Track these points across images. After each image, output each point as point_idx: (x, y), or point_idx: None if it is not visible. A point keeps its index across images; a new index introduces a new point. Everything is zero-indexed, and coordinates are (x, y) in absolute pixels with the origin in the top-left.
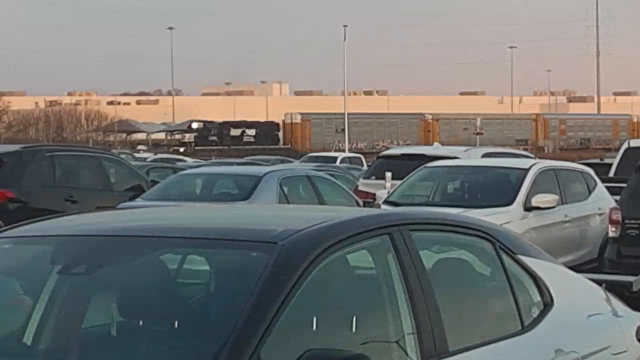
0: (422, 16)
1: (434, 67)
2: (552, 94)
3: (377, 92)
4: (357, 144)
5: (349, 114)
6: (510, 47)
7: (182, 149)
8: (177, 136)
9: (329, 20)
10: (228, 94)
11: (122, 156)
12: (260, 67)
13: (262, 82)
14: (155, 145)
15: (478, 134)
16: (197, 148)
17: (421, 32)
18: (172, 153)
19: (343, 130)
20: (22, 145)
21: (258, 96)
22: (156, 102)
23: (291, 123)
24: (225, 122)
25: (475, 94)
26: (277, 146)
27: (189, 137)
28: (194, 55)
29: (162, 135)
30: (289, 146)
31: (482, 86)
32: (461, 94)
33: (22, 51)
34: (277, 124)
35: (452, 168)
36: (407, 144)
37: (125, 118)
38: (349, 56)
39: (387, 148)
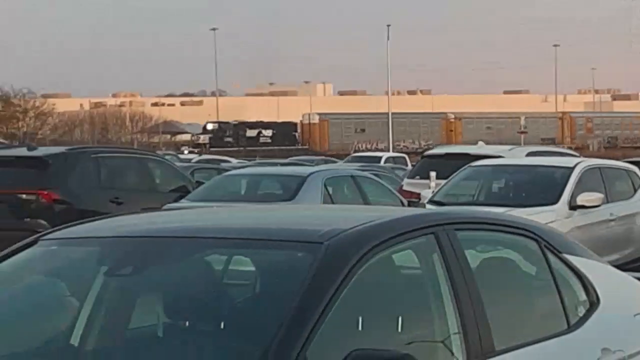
0: (467, 15)
1: (478, 66)
2: (596, 92)
3: (420, 91)
4: (377, 144)
5: (366, 113)
6: (555, 46)
7: (196, 150)
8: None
9: (373, 20)
10: (272, 94)
11: (167, 157)
12: (304, 68)
13: (306, 82)
14: (177, 148)
15: (522, 132)
16: (211, 149)
17: (465, 31)
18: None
19: (363, 130)
20: (68, 147)
21: (302, 96)
22: (200, 103)
23: (309, 123)
24: (241, 123)
25: (519, 92)
26: (294, 147)
27: (203, 138)
28: (238, 56)
29: (187, 137)
30: (307, 147)
31: (526, 85)
32: (505, 92)
33: (68, 53)
34: (295, 125)
35: (497, 167)
36: (428, 144)
37: (169, 119)
38: (393, 56)
39: (407, 148)
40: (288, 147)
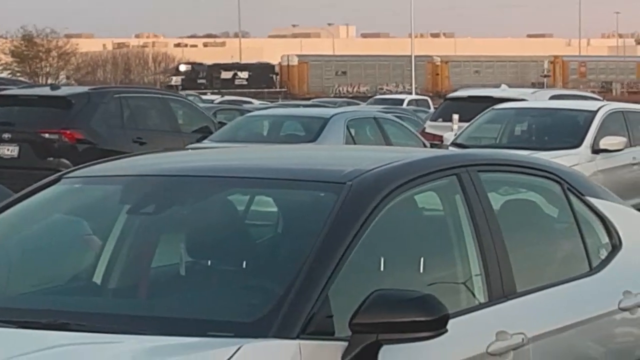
0: None
1: (502, 9)
2: (620, 36)
3: (444, 34)
4: (358, 87)
5: (348, 55)
6: None
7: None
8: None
9: None
10: (295, 36)
11: (190, 98)
12: (327, 9)
13: (329, 24)
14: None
15: (545, 76)
16: (183, 92)
17: None
18: None
19: (344, 72)
20: (90, 87)
21: (324, 38)
22: (223, 44)
23: (287, 65)
24: (215, 64)
25: (543, 36)
26: (271, 90)
27: (175, 79)
28: None
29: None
30: (285, 89)
31: (550, 29)
32: (529, 36)
33: None
34: (273, 67)
35: (520, 110)
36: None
37: (192, 60)
38: None
39: (390, 92)
40: (265, 90)
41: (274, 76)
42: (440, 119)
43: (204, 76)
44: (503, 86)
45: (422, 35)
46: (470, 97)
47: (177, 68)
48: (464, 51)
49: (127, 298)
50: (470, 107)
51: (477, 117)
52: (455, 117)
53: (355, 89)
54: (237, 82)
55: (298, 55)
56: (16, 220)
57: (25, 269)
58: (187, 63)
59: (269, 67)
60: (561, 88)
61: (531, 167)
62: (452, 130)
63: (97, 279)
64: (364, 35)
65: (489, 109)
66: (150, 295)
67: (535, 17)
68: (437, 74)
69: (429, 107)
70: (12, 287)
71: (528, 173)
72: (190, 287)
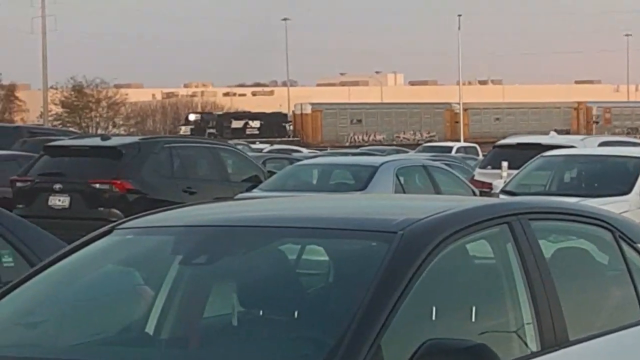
0: (537, 4)
1: (550, 55)
2: None
3: (491, 81)
4: (374, 135)
5: (363, 103)
6: (626, 35)
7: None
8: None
9: (443, 9)
10: (343, 84)
11: (239, 147)
12: (375, 58)
13: (377, 72)
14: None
15: (595, 122)
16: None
17: (536, 20)
18: None
19: (359, 121)
20: (141, 137)
21: (372, 86)
22: (271, 93)
23: (301, 114)
24: (225, 114)
25: (591, 82)
26: (284, 139)
27: (184, 129)
28: (309, 46)
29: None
30: (298, 139)
31: (598, 75)
32: (577, 82)
33: (140, 44)
34: (285, 115)
35: (569, 157)
36: (431, 136)
37: (241, 109)
38: (464, 45)
39: (408, 140)
40: (277, 139)
41: (287, 125)
42: (489, 167)
43: (213, 125)
44: (552, 133)
45: (470, 83)
46: (519, 144)
47: (186, 118)
48: (511, 98)
49: (179, 349)
50: (519, 155)
51: (527, 164)
52: (505, 164)
53: (371, 138)
54: (248, 131)
55: (311, 104)
56: (69, 271)
57: (77, 320)
58: (197, 112)
59: (281, 116)
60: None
61: (582, 214)
62: (501, 177)
63: (150, 329)
64: (412, 83)
65: (538, 156)
66: (203, 346)
67: (584, 64)
68: (457, 122)
69: (478, 155)
70: (65, 338)
71: (579, 221)
72: (242, 338)
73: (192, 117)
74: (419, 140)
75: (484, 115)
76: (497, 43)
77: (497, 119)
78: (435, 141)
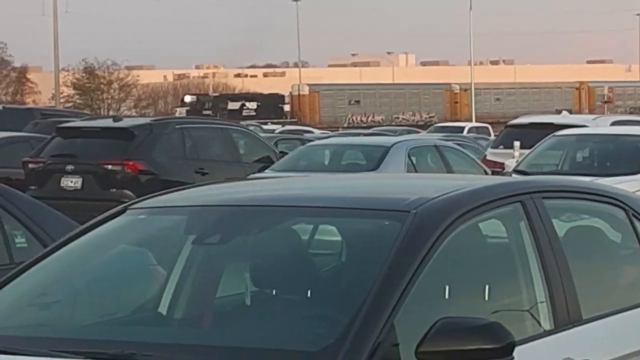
0: None
1: (561, 35)
2: None
3: (503, 61)
4: (373, 116)
5: (360, 84)
6: (638, 14)
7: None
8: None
9: None
10: (354, 65)
11: (251, 128)
12: (386, 38)
13: (389, 52)
14: None
15: (606, 102)
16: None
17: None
18: None
19: (357, 102)
20: (153, 118)
21: (384, 67)
22: (283, 74)
23: (298, 95)
24: (222, 95)
25: (602, 62)
26: (281, 120)
27: (180, 111)
28: (321, 27)
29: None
30: (295, 120)
31: (610, 54)
32: (588, 62)
33: (151, 25)
34: (282, 97)
35: (581, 136)
36: (430, 117)
37: (252, 90)
38: (475, 26)
39: (407, 121)
40: (274, 120)
41: (284, 106)
42: (502, 146)
43: (209, 107)
44: (564, 113)
45: (481, 63)
46: (531, 124)
47: (182, 99)
48: (523, 78)
49: (192, 328)
50: (532, 134)
51: (539, 144)
52: (517, 144)
53: (369, 119)
54: (244, 112)
55: (309, 85)
56: (82, 251)
57: (91, 300)
58: (193, 94)
59: (279, 97)
60: (622, 114)
61: (595, 193)
62: (513, 157)
63: (163, 309)
64: (424, 64)
65: (550, 136)
66: (216, 325)
67: (596, 43)
68: (456, 102)
69: (490, 135)
70: (78, 318)
71: (592, 199)
72: (256, 317)
73: (187, 98)
74: (417, 121)
75: (484, 95)
76: (508, 23)
77: (498, 99)
78: (435, 122)
